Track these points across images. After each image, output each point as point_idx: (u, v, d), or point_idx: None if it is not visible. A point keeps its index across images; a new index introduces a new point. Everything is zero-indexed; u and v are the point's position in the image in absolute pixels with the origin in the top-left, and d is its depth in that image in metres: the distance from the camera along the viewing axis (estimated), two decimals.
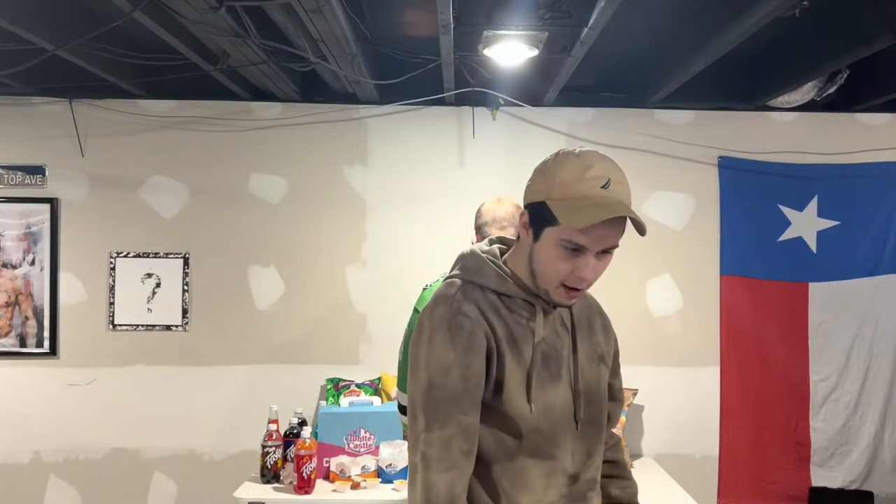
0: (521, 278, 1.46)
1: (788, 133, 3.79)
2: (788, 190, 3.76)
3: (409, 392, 1.41)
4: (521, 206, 1.46)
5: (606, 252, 1.39)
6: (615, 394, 1.65)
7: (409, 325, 2.43)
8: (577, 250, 1.36)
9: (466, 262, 1.51)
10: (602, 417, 1.55)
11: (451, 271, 1.54)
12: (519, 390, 1.41)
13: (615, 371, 1.64)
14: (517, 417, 1.40)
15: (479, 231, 2.52)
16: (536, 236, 1.40)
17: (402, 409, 2.39)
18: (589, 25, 2.58)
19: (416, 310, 2.42)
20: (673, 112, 3.78)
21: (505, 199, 2.54)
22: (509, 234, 2.45)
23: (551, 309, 1.48)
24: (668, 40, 3.24)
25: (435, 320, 1.40)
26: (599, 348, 1.57)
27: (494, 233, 2.49)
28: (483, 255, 1.50)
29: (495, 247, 1.56)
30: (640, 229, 1.35)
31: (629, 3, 2.44)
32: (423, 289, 2.47)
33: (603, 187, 1.34)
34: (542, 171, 1.42)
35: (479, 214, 2.55)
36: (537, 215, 1.40)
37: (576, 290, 1.40)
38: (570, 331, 1.50)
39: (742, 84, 3.67)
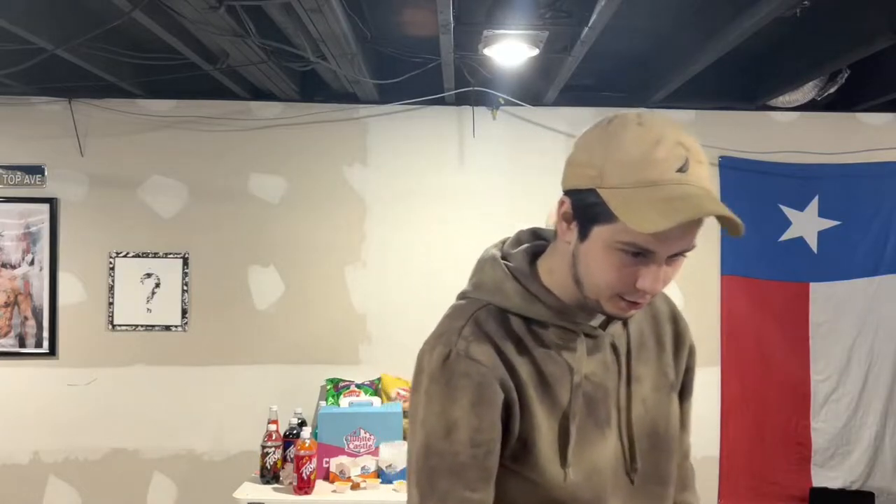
0: (559, 290, 1.09)
1: (789, 133, 3.78)
2: (789, 190, 3.76)
3: (407, 450, 1.12)
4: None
5: (679, 255, 1.02)
6: (683, 419, 1.29)
7: None
8: (640, 255, 0.99)
9: (484, 276, 1.14)
10: (670, 468, 1.17)
11: (468, 285, 1.18)
12: (551, 451, 1.06)
13: (688, 391, 1.27)
14: (549, 486, 1.05)
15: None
16: (583, 235, 1.02)
17: None
18: (589, 25, 2.58)
19: None
20: (673, 112, 3.77)
21: None
22: None
23: (599, 331, 1.11)
24: (668, 40, 3.23)
25: (434, 364, 1.06)
26: (670, 371, 1.20)
27: None
28: (505, 264, 1.13)
29: (525, 248, 1.15)
30: (736, 228, 0.98)
31: (629, 3, 2.43)
32: None
33: (679, 170, 0.96)
34: (590, 146, 1.04)
35: (549, 215, 2.49)
36: (584, 207, 1.01)
37: (637, 303, 1.04)
38: (624, 354, 1.14)
39: (743, 84, 3.66)
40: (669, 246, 0.99)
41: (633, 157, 0.97)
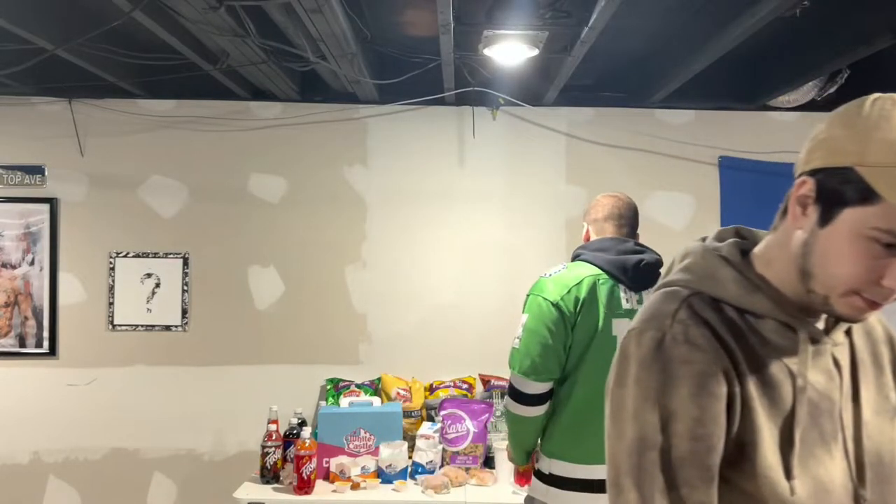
0: (778, 285, 1.00)
1: (789, 133, 3.79)
2: (788, 190, 3.75)
3: (609, 450, 1.00)
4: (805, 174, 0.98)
5: None
6: None
7: (526, 310, 2.31)
8: (895, 247, 0.89)
9: (693, 264, 1.05)
10: None
11: (666, 274, 1.10)
12: (774, 460, 0.94)
13: None
14: (770, 501, 0.94)
15: (595, 224, 2.46)
16: (826, 219, 0.94)
17: (511, 390, 2.30)
18: (589, 25, 2.58)
19: (529, 294, 2.33)
20: (673, 112, 3.78)
21: (620, 195, 2.49)
22: (620, 234, 2.41)
23: (821, 334, 1.01)
24: (668, 40, 3.24)
25: (645, 350, 0.97)
26: (892, 395, 1.07)
27: (610, 231, 2.42)
28: (718, 253, 1.04)
29: (734, 241, 1.07)
30: None
31: (629, 3, 2.44)
32: (541, 277, 2.35)
33: None
34: (848, 122, 0.95)
35: (592, 209, 2.48)
36: (834, 188, 0.93)
37: (876, 303, 0.94)
38: (847, 368, 1.03)
39: (742, 84, 3.66)
40: None
41: None
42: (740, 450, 0.94)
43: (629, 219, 2.44)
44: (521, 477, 2.55)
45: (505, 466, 3.06)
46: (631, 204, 2.47)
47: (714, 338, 0.96)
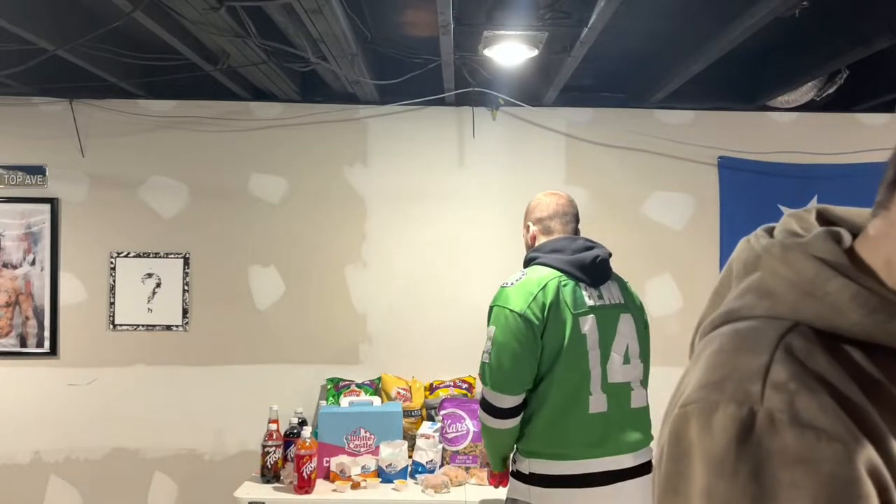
0: None
1: (788, 133, 3.79)
2: (788, 190, 3.77)
3: None
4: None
5: None
6: None
7: (493, 322, 2.29)
8: None
9: (771, 275, 0.67)
10: None
11: (716, 301, 0.74)
12: None
13: None
14: None
15: (540, 224, 2.46)
16: None
17: (484, 405, 2.28)
18: (589, 25, 2.58)
19: (493, 305, 2.31)
20: (673, 112, 3.78)
21: (560, 193, 2.52)
22: (567, 232, 2.43)
23: None
24: (668, 40, 3.24)
25: (721, 440, 0.59)
26: None
27: (558, 230, 2.43)
28: (811, 253, 0.65)
29: (825, 234, 0.68)
30: None
31: (629, 4, 2.44)
32: (502, 286, 2.33)
33: None
34: None
35: (535, 208, 2.49)
36: None
37: None
38: None
39: (742, 84, 3.67)
40: None
41: None
42: None
43: (573, 215, 2.48)
44: (495, 479, 2.55)
45: None
46: (572, 201, 2.51)
47: (841, 408, 0.57)
